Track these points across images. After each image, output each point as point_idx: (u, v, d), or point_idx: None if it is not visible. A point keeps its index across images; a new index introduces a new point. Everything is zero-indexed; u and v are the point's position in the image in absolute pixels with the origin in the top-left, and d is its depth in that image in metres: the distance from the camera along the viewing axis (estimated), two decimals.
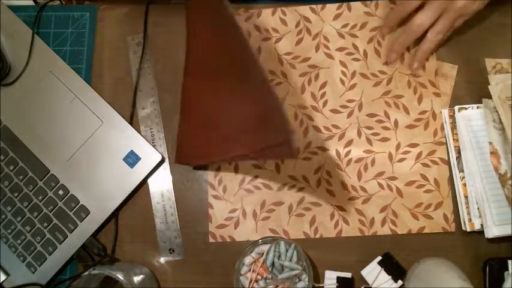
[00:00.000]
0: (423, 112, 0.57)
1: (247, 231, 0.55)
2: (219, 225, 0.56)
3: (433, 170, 0.56)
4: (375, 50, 0.58)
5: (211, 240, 0.55)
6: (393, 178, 0.56)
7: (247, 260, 0.50)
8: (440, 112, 0.57)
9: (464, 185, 0.54)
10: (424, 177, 0.56)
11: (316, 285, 0.53)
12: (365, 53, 0.58)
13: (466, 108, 0.55)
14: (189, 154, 0.55)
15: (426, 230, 0.54)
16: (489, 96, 0.53)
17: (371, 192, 0.56)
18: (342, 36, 0.59)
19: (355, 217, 0.55)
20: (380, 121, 0.57)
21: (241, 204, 0.56)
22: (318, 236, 0.55)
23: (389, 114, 0.57)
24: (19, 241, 0.55)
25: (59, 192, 0.55)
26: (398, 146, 0.56)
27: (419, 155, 0.56)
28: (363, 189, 0.56)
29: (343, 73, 0.58)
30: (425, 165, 0.56)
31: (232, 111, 0.54)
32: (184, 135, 0.56)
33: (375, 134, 0.57)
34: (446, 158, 0.56)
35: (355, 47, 0.59)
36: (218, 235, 0.55)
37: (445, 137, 0.56)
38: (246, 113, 0.53)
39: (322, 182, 0.56)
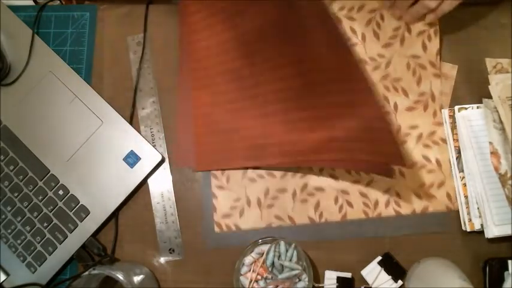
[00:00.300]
0: (422, 94, 0.57)
1: (252, 219, 0.55)
2: (223, 214, 0.55)
3: (434, 150, 0.56)
4: (373, 32, 0.58)
5: (216, 230, 0.55)
6: None
7: (247, 260, 0.50)
8: (440, 93, 0.57)
9: (464, 185, 0.54)
10: (425, 158, 0.56)
11: (316, 285, 0.53)
12: (363, 37, 0.58)
13: (466, 108, 0.55)
14: (204, 160, 0.56)
15: (430, 209, 0.55)
16: (489, 96, 0.53)
17: (373, 175, 0.56)
18: (338, 20, 0.58)
19: (359, 200, 0.55)
20: None
21: (245, 192, 0.56)
22: (323, 220, 0.55)
23: (388, 99, 0.57)
24: (19, 241, 0.55)
25: (59, 192, 0.55)
26: (398, 129, 0.56)
27: (419, 136, 0.56)
28: None
29: None
30: (426, 146, 0.56)
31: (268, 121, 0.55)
32: (195, 140, 0.56)
33: None
34: (446, 138, 0.56)
35: (352, 30, 0.58)
36: (223, 224, 0.55)
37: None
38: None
39: (325, 167, 0.56)
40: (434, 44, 0.57)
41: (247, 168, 0.56)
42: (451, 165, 0.55)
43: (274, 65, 0.55)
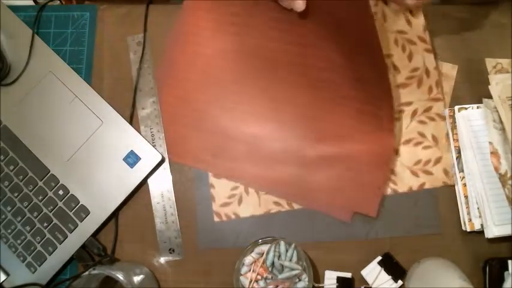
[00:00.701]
0: (415, 69, 0.56)
1: (251, 207, 0.55)
2: (222, 203, 0.56)
3: (430, 127, 0.55)
4: None
5: (216, 219, 0.55)
6: None
7: (247, 260, 0.50)
8: (434, 68, 0.56)
9: (464, 185, 0.54)
10: (421, 134, 0.55)
11: (316, 285, 0.53)
12: None
13: (466, 108, 0.55)
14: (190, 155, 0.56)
15: (427, 186, 0.55)
16: (489, 96, 0.53)
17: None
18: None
19: None
20: None
21: None
22: None
23: None
24: (19, 241, 0.55)
25: (59, 192, 0.55)
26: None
27: (414, 112, 0.56)
28: None
29: None
30: (421, 122, 0.56)
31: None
32: (182, 134, 0.57)
33: None
34: (443, 113, 0.55)
35: None
36: (223, 213, 0.55)
37: (441, 92, 0.56)
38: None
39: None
40: (418, 19, 0.56)
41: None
42: (447, 141, 0.55)
43: (290, 88, 0.56)
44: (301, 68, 0.55)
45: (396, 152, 0.55)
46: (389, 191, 0.55)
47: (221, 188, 0.56)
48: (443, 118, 0.56)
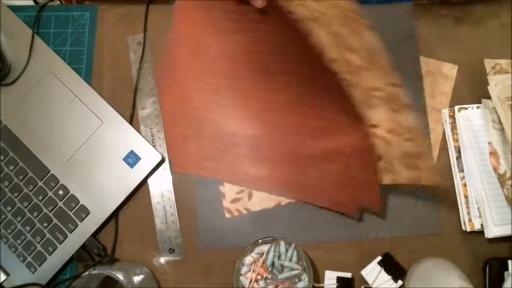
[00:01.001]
0: (367, 50, 0.49)
1: (262, 200, 0.56)
2: (232, 199, 0.56)
3: (405, 116, 0.50)
4: None
5: (227, 215, 0.55)
6: (373, 126, 0.50)
7: (247, 260, 0.50)
8: (382, 49, 0.49)
9: (464, 185, 0.54)
10: (398, 124, 0.50)
11: (316, 285, 0.53)
12: None
13: (466, 108, 0.55)
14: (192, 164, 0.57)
15: (423, 181, 0.50)
16: (489, 97, 0.53)
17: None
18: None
19: None
20: None
21: None
22: None
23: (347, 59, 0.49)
24: (19, 241, 0.55)
25: (59, 192, 0.55)
26: (365, 90, 0.50)
27: (387, 100, 0.50)
28: None
29: None
30: (394, 110, 0.50)
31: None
32: (180, 141, 0.57)
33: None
34: (410, 103, 0.50)
35: None
36: (234, 209, 0.55)
37: (397, 78, 0.50)
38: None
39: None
40: None
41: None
42: (426, 136, 0.51)
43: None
44: (287, 65, 0.55)
45: (385, 141, 0.51)
46: (390, 181, 0.51)
47: (230, 185, 0.56)
48: (412, 109, 0.50)
